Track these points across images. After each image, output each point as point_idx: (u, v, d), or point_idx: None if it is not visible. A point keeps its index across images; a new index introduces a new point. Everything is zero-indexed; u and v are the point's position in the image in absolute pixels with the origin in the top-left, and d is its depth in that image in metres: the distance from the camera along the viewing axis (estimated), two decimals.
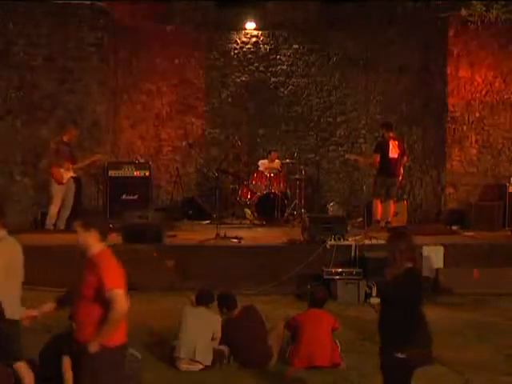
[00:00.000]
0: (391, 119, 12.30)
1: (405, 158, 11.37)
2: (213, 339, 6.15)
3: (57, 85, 11.56)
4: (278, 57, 13.82)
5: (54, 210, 10.71)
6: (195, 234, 10.55)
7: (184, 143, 13.39)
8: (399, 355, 4.37)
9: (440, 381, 5.87)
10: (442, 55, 12.21)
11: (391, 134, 10.97)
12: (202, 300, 6.32)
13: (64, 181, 10.68)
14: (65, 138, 10.82)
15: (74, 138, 10.99)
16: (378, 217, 10.94)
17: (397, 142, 10.93)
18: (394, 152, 10.83)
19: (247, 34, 13.74)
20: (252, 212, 11.87)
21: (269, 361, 6.25)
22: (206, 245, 9.53)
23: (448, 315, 8.05)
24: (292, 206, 12.15)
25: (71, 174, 10.80)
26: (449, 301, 8.71)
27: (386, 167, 10.80)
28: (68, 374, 5.22)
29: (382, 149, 10.85)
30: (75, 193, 10.93)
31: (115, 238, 9.87)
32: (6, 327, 4.82)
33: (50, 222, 10.72)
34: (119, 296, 4.04)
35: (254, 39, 13.77)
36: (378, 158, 10.83)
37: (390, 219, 10.97)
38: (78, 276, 4.44)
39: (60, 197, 10.73)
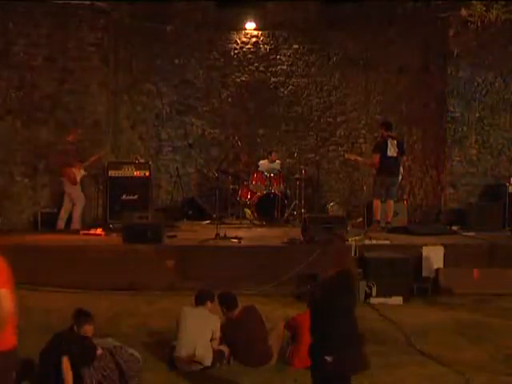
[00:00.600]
0: (391, 119, 12.30)
1: (404, 158, 11.37)
2: (212, 339, 6.15)
3: (57, 85, 11.56)
4: (278, 57, 13.83)
5: (78, 210, 10.77)
6: (195, 234, 10.55)
7: (184, 143, 13.43)
8: (328, 359, 4.33)
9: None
10: (442, 55, 12.21)
11: (390, 134, 10.96)
12: (201, 300, 6.32)
13: (78, 180, 10.73)
14: (69, 139, 10.86)
15: (77, 137, 11.04)
16: (378, 217, 10.95)
17: (395, 142, 10.92)
18: (392, 151, 10.83)
19: (247, 34, 13.75)
20: (252, 212, 11.87)
21: (269, 361, 6.25)
22: (206, 245, 9.53)
23: (448, 315, 8.05)
24: (292, 206, 12.16)
25: (83, 173, 10.87)
26: (449, 301, 8.72)
27: (385, 167, 10.79)
28: (68, 374, 5.23)
29: (381, 148, 10.84)
30: None
31: (115, 238, 9.91)
32: None
33: (77, 223, 10.78)
34: (2, 296, 3.92)
35: (253, 39, 13.78)
36: (377, 158, 10.82)
37: (389, 219, 10.98)
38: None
39: (81, 197, 10.79)
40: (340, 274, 4.50)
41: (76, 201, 10.81)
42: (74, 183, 10.73)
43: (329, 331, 4.39)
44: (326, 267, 4.55)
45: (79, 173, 10.82)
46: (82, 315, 5.50)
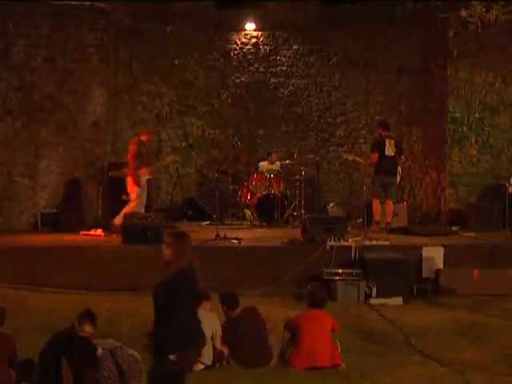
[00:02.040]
0: (391, 119, 12.31)
1: (402, 158, 11.36)
2: (213, 337, 6.14)
3: (57, 86, 11.56)
4: (278, 57, 13.83)
5: (129, 208, 10.55)
6: (195, 234, 10.54)
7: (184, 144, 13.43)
8: (171, 357, 4.32)
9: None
10: (441, 55, 12.22)
11: (387, 133, 10.95)
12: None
13: (142, 183, 10.64)
14: (143, 138, 10.76)
15: (151, 138, 11.01)
16: (378, 217, 10.94)
17: (393, 141, 10.91)
18: (390, 150, 10.81)
19: (247, 34, 13.75)
20: (252, 213, 11.87)
21: (269, 362, 6.24)
22: (206, 245, 9.52)
23: (448, 316, 8.05)
24: (292, 206, 12.16)
25: (148, 176, 10.77)
26: (449, 301, 8.71)
27: (383, 166, 10.78)
28: (68, 374, 5.22)
29: (379, 148, 10.84)
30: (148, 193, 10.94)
31: (115, 238, 9.91)
32: None
33: (119, 219, 10.56)
34: None
35: (253, 40, 13.78)
36: (375, 156, 10.82)
37: (389, 220, 10.97)
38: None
39: (143, 199, 10.71)
40: (182, 272, 4.48)
41: (133, 201, 10.58)
42: (138, 185, 10.62)
43: (173, 329, 4.35)
44: (172, 264, 4.53)
45: (145, 175, 10.73)
46: (87, 315, 5.52)
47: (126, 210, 10.35)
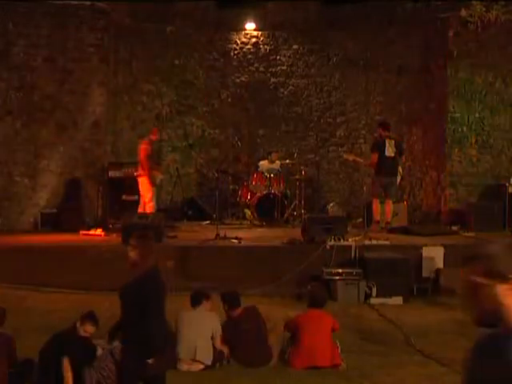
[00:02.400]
0: (391, 119, 12.31)
1: (403, 158, 11.36)
2: (213, 337, 6.15)
3: (57, 85, 11.56)
4: (278, 57, 13.82)
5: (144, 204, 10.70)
6: (195, 234, 10.55)
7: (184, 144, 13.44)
8: (149, 361, 4.31)
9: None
10: (441, 55, 12.21)
11: (387, 133, 10.95)
12: (196, 300, 6.31)
13: (157, 183, 10.62)
14: (154, 138, 10.75)
15: (157, 137, 11.12)
16: (378, 217, 10.94)
17: (393, 142, 10.91)
18: (390, 151, 10.81)
19: (247, 34, 13.74)
20: (252, 212, 11.87)
21: (269, 361, 6.25)
22: (206, 245, 9.52)
23: (448, 315, 8.04)
24: (292, 206, 12.15)
25: (161, 176, 10.77)
26: (449, 301, 8.69)
27: (383, 166, 10.77)
28: (68, 374, 5.23)
29: (379, 148, 10.83)
30: None
31: (115, 238, 9.90)
32: None
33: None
34: None
35: (253, 40, 13.78)
36: (375, 157, 10.81)
37: (389, 219, 10.97)
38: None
39: (154, 199, 10.73)
40: (149, 272, 4.49)
41: (150, 202, 10.58)
42: (154, 185, 10.60)
43: (146, 333, 4.33)
44: (138, 265, 4.54)
45: (158, 176, 10.69)
46: (90, 316, 5.55)
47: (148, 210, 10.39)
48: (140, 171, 10.57)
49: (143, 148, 10.53)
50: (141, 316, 4.32)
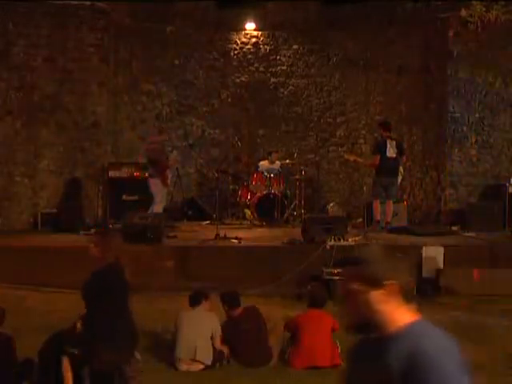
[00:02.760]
0: (391, 119, 12.29)
1: (404, 158, 11.36)
2: (213, 337, 6.15)
3: (57, 85, 11.56)
4: (278, 57, 13.82)
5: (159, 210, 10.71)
6: (195, 234, 10.55)
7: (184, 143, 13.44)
8: (103, 356, 4.34)
9: None
10: (441, 55, 12.21)
11: (388, 134, 10.95)
12: (196, 300, 6.31)
13: (169, 183, 10.63)
14: (163, 138, 10.76)
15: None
16: (378, 217, 10.94)
17: (394, 142, 10.91)
18: (391, 152, 10.81)
19: (247, 34, 13.74)
20: (252, 212, 11.86)
21: (269, 361, 6.25)
22: (206, 245, 9.52)
23: (448, 316, 8.03)
24: (292, 206, 12.15)
25: (170, 176, 10.79)
26: (449, 301, 8.70)
27: (385, 167, 10.76)
28: (68, 374, 5.22)
29: (380, 149, 10.83)
30: None
31: None
32: None
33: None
34: None
35: (253, 40, 13.77)
36: (377, 159, 10.80)
37: (389, 219, 10.97)
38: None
39: (164, 198, 10.75)
40: (110, 266, 4.52)
41: (160, 202, 10.62)
42: (167, 186, 10.59)
43: (108, 329, 4.37)
44: (99, 260, 4.57)
45: (169, 175, 10.71)
46: None
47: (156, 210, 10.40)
48: (151, 171, 10.58)
49: (156, 147, 10.56)
50: (93, 311, 4.41)
